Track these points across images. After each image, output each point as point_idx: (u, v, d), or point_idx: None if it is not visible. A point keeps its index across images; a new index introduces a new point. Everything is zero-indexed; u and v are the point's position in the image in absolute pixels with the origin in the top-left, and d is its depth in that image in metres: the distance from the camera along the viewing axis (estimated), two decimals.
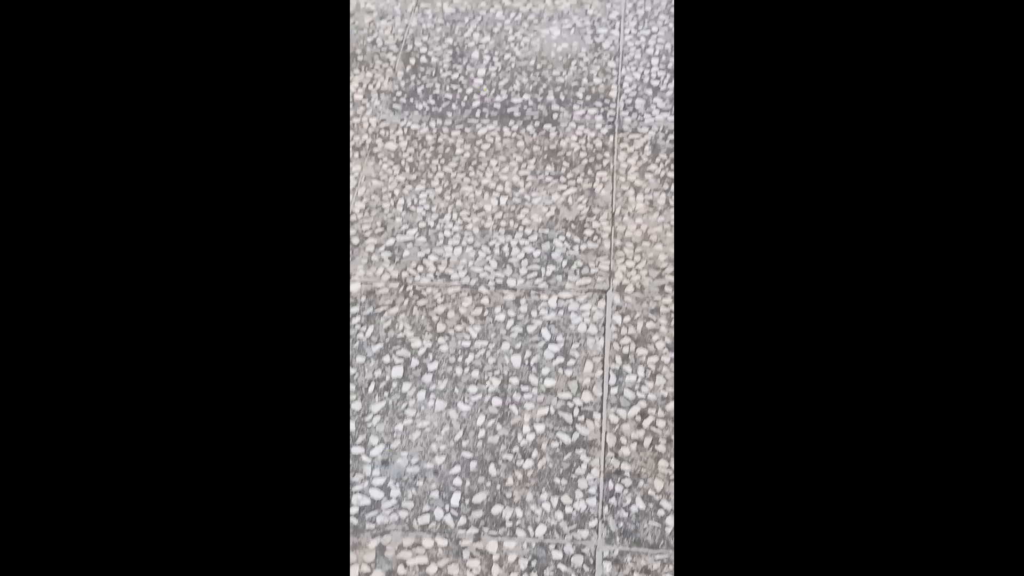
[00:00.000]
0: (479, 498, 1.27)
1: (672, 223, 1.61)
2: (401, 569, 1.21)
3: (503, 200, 1.67)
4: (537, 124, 1.82)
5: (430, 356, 1.43)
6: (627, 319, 1.47)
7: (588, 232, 1.61)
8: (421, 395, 1.38)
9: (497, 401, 1.37)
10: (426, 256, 1.58)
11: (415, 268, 1.56)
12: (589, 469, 1.29)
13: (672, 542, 1.20)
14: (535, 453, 1.31)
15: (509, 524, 1.24)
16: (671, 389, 1.37)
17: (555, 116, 1.83)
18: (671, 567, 1.18)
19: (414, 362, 1.43)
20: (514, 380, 1.39)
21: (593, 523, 1.24)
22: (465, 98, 1.88)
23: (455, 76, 1.93)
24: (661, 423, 1.33)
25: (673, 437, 1.31)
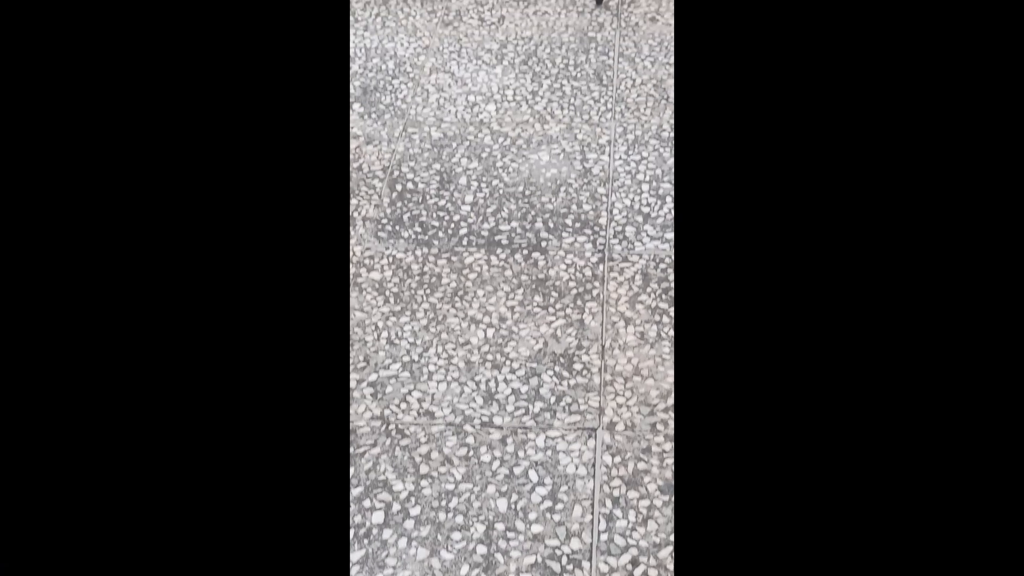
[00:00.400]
0: None
1: (664, 356, 1.62)
2: None
3: (490, 332, 1.69)
4: (525, 252, 1.85)
5: (412, 500, 1.43)
6: (617, 459, 1.47)
7: (577, 366, 1.62)
8: (403, 542, 1.38)
9: (482, 549, 1.36)
10: (409, 392, 1.59)
11: (398, 405, 1.57)
12: None
13: None
14: None
15: None
16: (663, 535, 1.36)
17: (544, 244, 1.86)
18: None
19: (396, 507, 1.42)
20: (500, 526, 1.39)
21: None
22: (452, 225, 1.92)
23: (442, 203, 1.98)
24: (653, 572, 1.32)
25: None
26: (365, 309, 1.75)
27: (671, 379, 1.59)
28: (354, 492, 1.44)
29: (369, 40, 2.47)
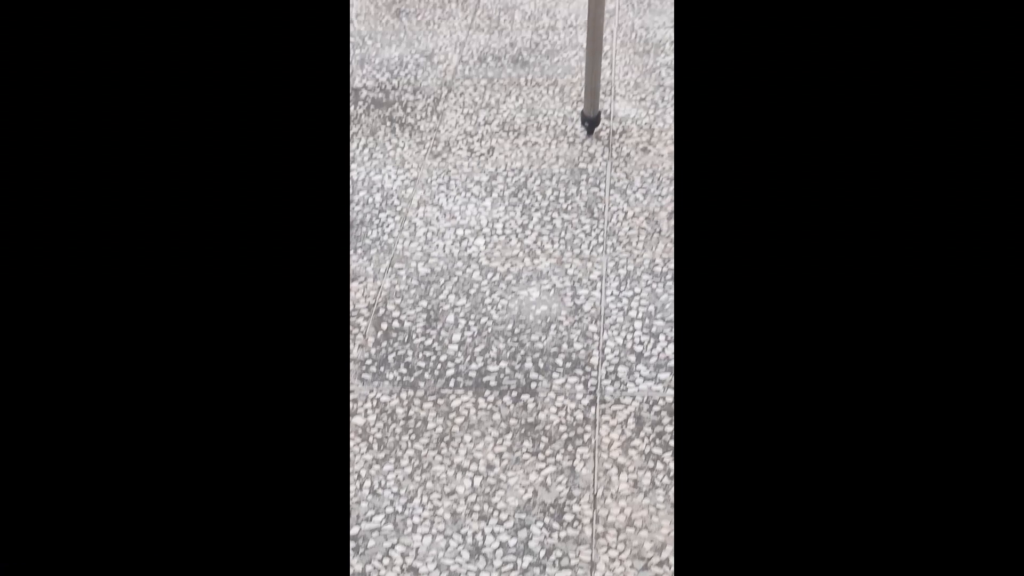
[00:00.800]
0: None
1: (658, 506, 1.63)
2: None
3: (477, 481, 1.70)
4: (514, 394, 1.87)
5: None
6: None
7: (568, 517, 1.62)
8: None
9: None
10: (392, 547, 1.59)
11: (380, 561, 1.57)
12: None
13: None
14: None
15: None
16: None
17: (533, 385, 1.88)
18: None
19: None
20: None
21: None
22: (439, 366, 1.94)
23: (428, 342, 2.00)
24: None
25: None
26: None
27: (665, 530, 1.59)
28: None
29: (356, 172, 2.53)
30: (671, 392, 1.86)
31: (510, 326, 2.03)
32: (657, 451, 1.73)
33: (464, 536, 1.60)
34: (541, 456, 1.74)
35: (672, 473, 1.69)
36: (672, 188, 2.42)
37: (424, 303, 2.11)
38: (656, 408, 1.81)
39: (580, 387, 1.88)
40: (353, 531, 1.61)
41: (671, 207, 2.35)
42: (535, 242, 2.27)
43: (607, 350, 1.96)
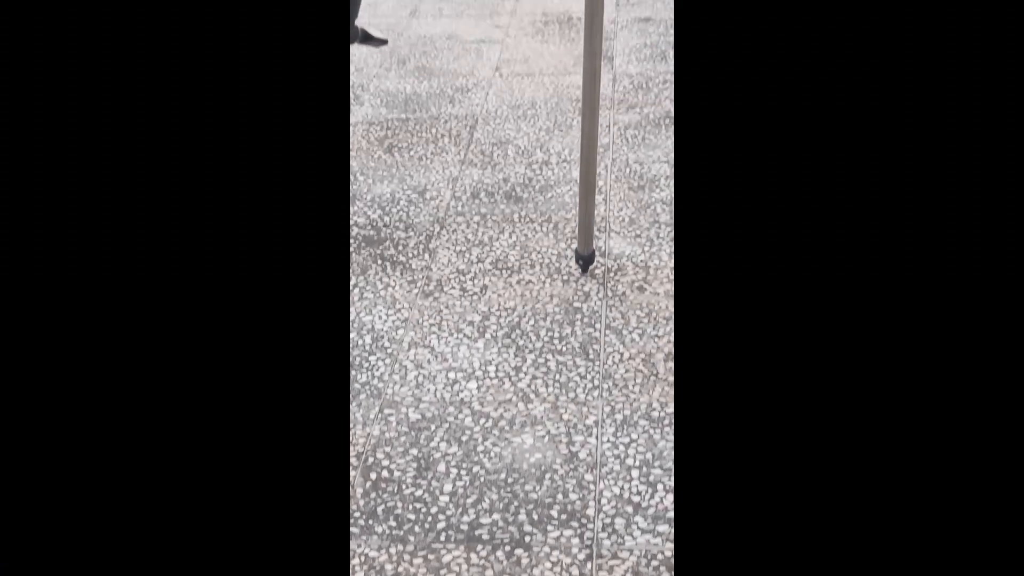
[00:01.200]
0: None
1: None
2: None
3: None
4: (507, 549, 1.86)
5: None
6: None
7: None
8: None
9: None
10: None
11: None
12: None
13: None
14: None
15: None
16: None
17: (527, 539, 1.87)
18: None
19: None
20: None
21: None
22: (429, 519, 1.94)
23: (419, 493, 2.00)
24: None
25: None
26: None
27: None
28: None
29: None
30: (670, 545, 1.85)
31: (503, 475, 2.03)
32: None
33: None
34: None
35: None
36: (669, 328, 2.44)
37: (415, 451, 2.11)
38: (655, 563, 1.80)
39: (576, 540, 1.87)
40: None
41: (668, 348, 2.38)
42: (529, 385, 2.28)
43: (603, 501, 1.96)
